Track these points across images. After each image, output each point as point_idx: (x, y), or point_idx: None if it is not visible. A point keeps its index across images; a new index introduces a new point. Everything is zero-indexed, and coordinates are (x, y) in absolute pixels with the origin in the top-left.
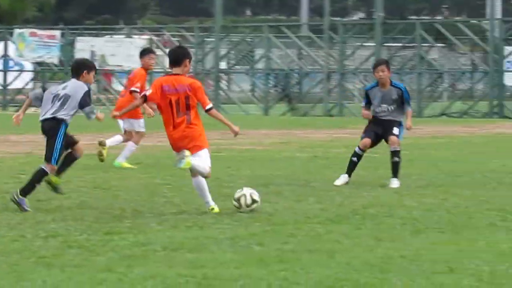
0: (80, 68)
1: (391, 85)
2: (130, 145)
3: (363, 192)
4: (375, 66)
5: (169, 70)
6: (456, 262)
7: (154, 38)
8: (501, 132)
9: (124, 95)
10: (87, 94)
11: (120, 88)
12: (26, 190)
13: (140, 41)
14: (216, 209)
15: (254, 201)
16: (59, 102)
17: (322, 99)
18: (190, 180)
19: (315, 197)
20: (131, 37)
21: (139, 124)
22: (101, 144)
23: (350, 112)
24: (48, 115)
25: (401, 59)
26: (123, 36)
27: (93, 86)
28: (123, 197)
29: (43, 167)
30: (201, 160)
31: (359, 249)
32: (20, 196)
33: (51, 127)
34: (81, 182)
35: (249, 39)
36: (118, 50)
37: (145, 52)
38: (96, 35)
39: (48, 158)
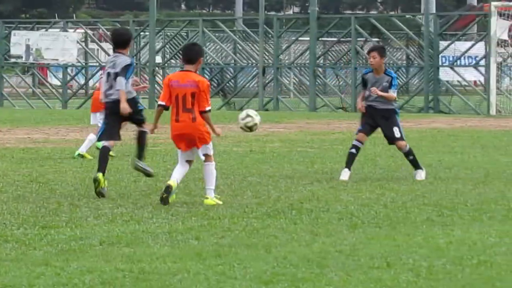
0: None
1: (385, 73)
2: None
3: (299, 186)
4: (368, 52)
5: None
6: (393, 257)
7: (89, 32)
8: (437, 127)
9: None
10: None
11: (56, 81)
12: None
13: (75, 35)
14: (210, 201)
15: (248, 115)
16: None
17: (258, 94)
18: (127, 174)
19: (251, 191)
20: (66, 31)
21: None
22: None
23: (285, 107)
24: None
25: (336, 54)
26: (58, 30)
27: (29, 80)
28: (59, 191)
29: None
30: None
31: (296, 243)
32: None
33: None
34: (17, 176)
35: (184, 33)
36: (54, 44)
37: None
38: (32, 29)
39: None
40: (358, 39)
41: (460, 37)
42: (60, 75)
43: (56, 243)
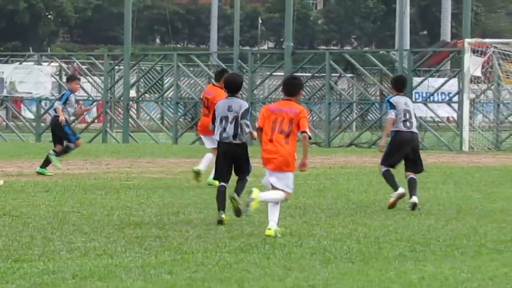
0: None
1: None
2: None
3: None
4: None
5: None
6: None
7: (64, 65)
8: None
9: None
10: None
11: (29, 115)
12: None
13: (50, 68)
14: (272, 232)
15: None
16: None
17: None
18: (100, 208)
19: (224, 226)
20: (40, 64)
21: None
22: (197, 173)
23: (257, 140)
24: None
25: (311, 89)
26: (32, 63)
27: (2, 113)
28: (32, 224)
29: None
30: (281, 185)
31: (269, 278)
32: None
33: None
34: None
35: (158, 68)
36: (28, 77)
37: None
38: (6, 62)
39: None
40: (332, 74)
41: (434, 74)
42: (34, 109)
43: (29, 276)
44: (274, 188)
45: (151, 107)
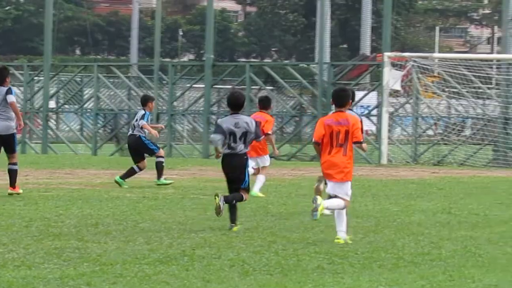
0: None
1: None
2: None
3: (191, 233)
4: None
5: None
6: None
7: None
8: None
9: None
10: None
11: None
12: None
13: None
14: (341, 241)
15: None
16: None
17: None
18: (19, 219)
19: (144, 237)
20: None
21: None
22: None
23: (179, 153)
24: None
25: None
26: None
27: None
28: None
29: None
30: (341, 193)
31: None
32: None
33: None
34: None
35: (78, 79)
36: None
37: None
38: None
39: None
40: (253, 87)
41: (353, 87)
42: None
43: None
44: (334, 196)
45: (70, 118)
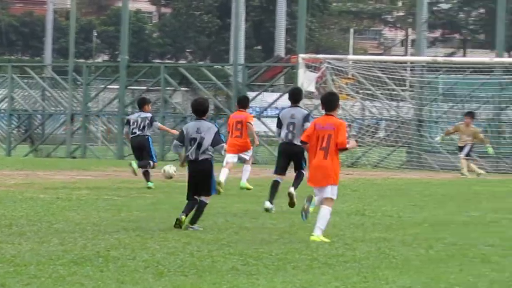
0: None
1: None
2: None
3: (106, 234)
4: None
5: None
6: None
7: None
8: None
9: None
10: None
11: None
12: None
13: None
14: (316, 238)
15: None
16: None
17: (65, 141)
18: None
19: (58, 238)
20: None
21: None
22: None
23: (93, 154)
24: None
25: None
26: None
27: None
28: None
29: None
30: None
31: None
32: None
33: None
34: None
35: None
36: None
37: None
38: None
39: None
40: (167, 88)
41: (268, 88)
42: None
43: None
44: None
45: None
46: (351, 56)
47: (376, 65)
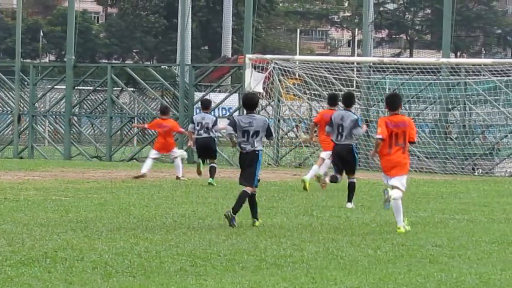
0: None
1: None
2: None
3: (54, 235)
4: None
5: None
6: None
7: None
8: (190, 177)
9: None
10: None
11: None
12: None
13: None
14: (402, 230)
15: None
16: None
17: (12, 141)
18: None
19: (5, 239)
20: None
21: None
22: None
23: (40, 155)
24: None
25: (92, 103)
26: None
27: None
28: None
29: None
30: (401, 185)
31: None
32: (232, 214)
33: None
34: None
35: None
36: None
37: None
38: None
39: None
40: (114, 88)
41: (215, 89)
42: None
43: None
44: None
45: None
46: (298, 57)
47: (323, 66)
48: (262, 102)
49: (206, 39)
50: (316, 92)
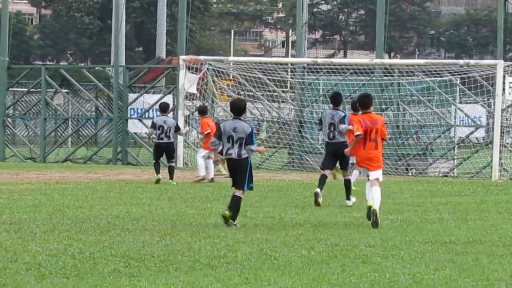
0: None
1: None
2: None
3: None
4: None
5: None
6: None
7: None
8: (125, 179)
9: None
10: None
11: None
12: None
13: None
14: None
15: None
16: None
17: None
18: None
19: None
20: None
21: None
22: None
23: None
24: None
25: (26, 104)
26: None
27: None
28: None
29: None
30: (380, 177)
31: None
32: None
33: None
34: None
35: None
36: None
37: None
38: None
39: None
40: (48, 89)
41: (149, 90)
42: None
43: None
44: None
45: None
46: (232, 58)
47: (257, 67)
48: (196, 102)
49: (140, 40)
50: (250, 93)
